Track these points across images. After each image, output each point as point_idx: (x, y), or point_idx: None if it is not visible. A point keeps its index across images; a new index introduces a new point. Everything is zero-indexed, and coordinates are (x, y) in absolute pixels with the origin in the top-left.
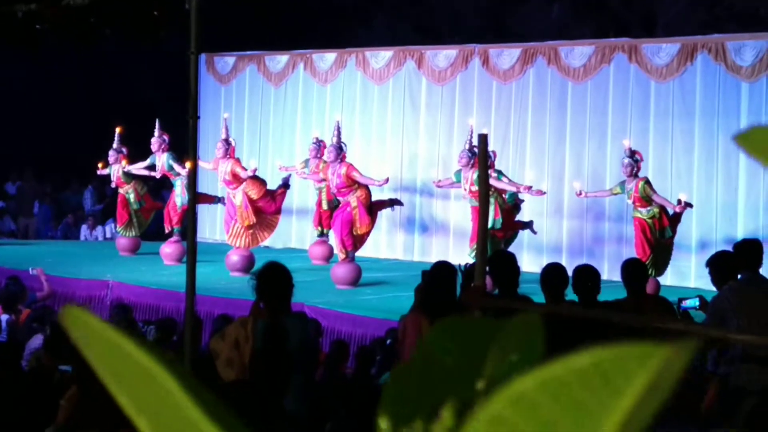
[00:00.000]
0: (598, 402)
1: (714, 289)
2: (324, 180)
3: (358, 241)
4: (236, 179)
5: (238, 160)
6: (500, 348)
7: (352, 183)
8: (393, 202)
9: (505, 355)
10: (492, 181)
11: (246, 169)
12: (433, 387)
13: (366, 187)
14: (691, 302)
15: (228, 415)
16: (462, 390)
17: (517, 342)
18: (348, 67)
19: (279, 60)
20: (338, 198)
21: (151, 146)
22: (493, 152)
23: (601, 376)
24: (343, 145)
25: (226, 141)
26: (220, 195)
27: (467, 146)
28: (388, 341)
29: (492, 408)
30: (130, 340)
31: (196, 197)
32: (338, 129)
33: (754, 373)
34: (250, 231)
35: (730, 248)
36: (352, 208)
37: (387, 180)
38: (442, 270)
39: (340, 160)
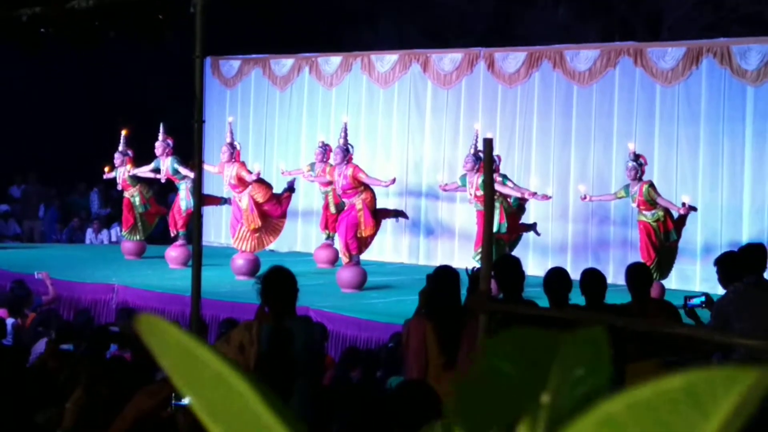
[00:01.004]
0: (686, 425)
1: (720, 288)
2: (330, 183)
3: (363, 244)
4: (242, 183)
5: (243, 164)
6: (565, 361)
7: (358, 184)
8: (398, 214)
9: (570, 369)
10: (497, 186)
11: (252, 173)
12: (499, 400)
13: (371, 190)
14: (697, 300)
15: (297, 421)
16: (526, 403)
17: (583, 356)
18: (353, 70)
19: (284, 63)
20: (344, 199)
21: (155, 150)
22: (498, 156)
23: (690, 400)
24: (349, 146)
25: (231, 145)
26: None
27: (472, 150)
28: (390, 344)
29: (579, 429)
30: (205, 347)
31: (202, 200)
32: (345, 131)
33: None
34: (256, 234)
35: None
36: (357, 211)
37: (394, 180)
38: (444, 274)
39: (347, 162)
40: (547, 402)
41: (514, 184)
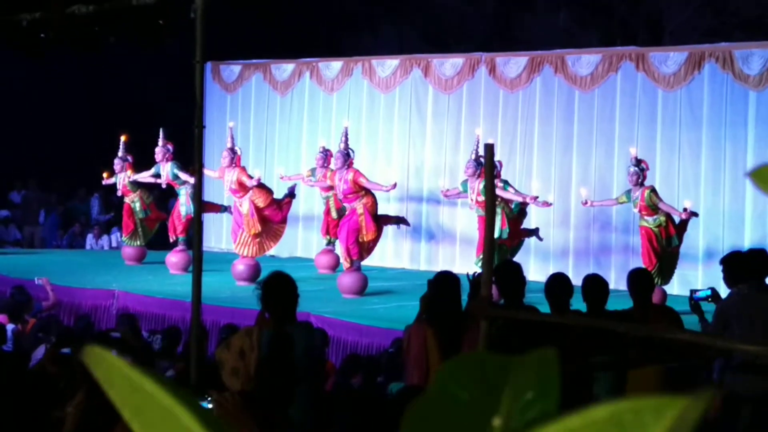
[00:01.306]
0: None
1: (725, 288)
2: (331, 188)
3: (364, 249)
4: (243, 188)
5: (244, 169)
6: (516, 385)
7: (358, 189)
8: (399, 220)
9: (520, 393)
10: (498, 192)
11: (252, 178)
12: (452, 424)
13: (372, 194)
14: (703, 293)
15: None
16: (479, 426)
17: (533, 379)
18: (354, 75)
19: (285, 68)
20: (345, 204)
21: (156, 156)
22: (500, 162)
23: (616, 429)
24: (350, 151)
25: (232, 150)
26: (225, 204)
27: (473, 156)
28: (390, 350)
29: None
30: (151, 379)
31: (202, 206)
32: (346, 135)
33: (750, 381)
34: (257, 240)
35: None
36: (358, 215)
37: (395, 185)
38: (445, 280)
39: (347, 166)
40: (498, 426)
41: (516, 190)
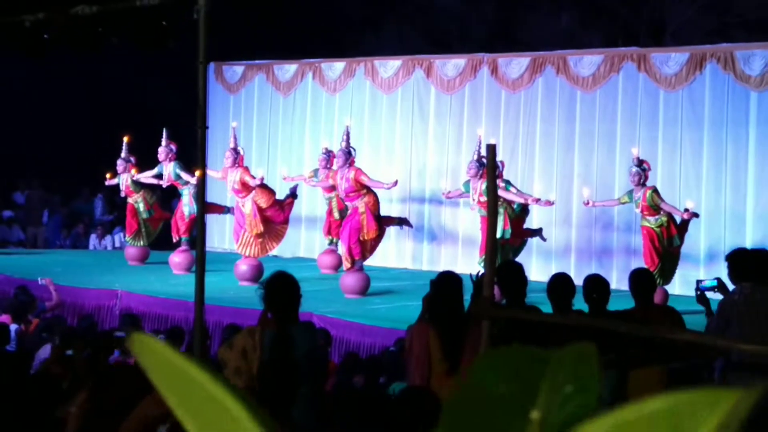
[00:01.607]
0: None
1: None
2: (334, 189)
3: (366, 249)
4: (245, 188)
5: (246, 169)
6: (554, 378)
7: (360, 187)
8: (402, 222)
9: (559, 386)
10: (500, 192)
11: (255, 178)
12: (488, 417)
13: (374, 193)
14: (709, 283)
15: None
16: (516, 420)
17: (572, 372)
18: (357, 76)
19: (288, 69)
20: (347, 203)
21: (158, 156)
22: (502, 162)
23: (672, 422)
24: (351, 149)
25: (235, 150)
26: (228, 205)
27: (476, 156)
28: (391, 349)
29: None
30: (195, 365)
31: (205, 207)
32: (347, 134)
33: (748, 379)
34: (260, 240)
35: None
36: (359, 214)
37: (396, 182)
38: (447, 280)
39: (349, 165)
40: (536, 419)
41: (518, 190)
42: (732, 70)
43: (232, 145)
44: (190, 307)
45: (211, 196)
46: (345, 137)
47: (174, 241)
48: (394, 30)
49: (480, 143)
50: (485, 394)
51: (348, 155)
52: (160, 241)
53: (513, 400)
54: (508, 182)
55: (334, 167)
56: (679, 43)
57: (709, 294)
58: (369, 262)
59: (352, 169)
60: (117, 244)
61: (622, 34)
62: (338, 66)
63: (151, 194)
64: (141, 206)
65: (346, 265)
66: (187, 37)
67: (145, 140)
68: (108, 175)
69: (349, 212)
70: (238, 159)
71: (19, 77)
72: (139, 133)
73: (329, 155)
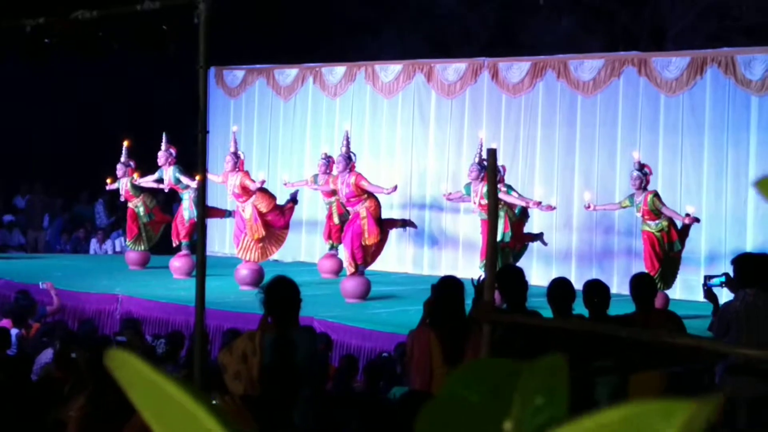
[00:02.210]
0: None
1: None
2: (334, 193)
3: (368, 254)
4: (246, 192)
5: (247, 173)
6: (525, 390)
7: (361, 192)
8: (405, 223)
9: (530, 398)
10: (501, 196)
11: (255, 182)
12: (461, 426)
13: (375, 197)
14: (717, 280)
15: None
16: (489, 430)
17: (542, 384)
18: (357, 80)
19: (288, 73)
20: (348, 207)
21: (158, 160)
22: (503, 166)
23: (629, 431)
24: (352, 154)
25: (235, 154)
26: (229, 209)
27: (477, 160)
28: (387, 354)
29: None
30: (173, 382)
31: (206, 211)
32: (347, 139)
33: (746, 383)
34: (260, 244)
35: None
36: (361, 219)
37: (395, 187)
38: (448, 285)
39: (349, 170)
40: (509, 430)
41: (519, 194)
42: (733, 75)
43: (232, 150)
44: (190, 311)
45: (212, 201)
46: (345, 142)
47: (174, 245)
48: (395, 34)
49: (481, 146)
50: (460, 404)
51: (348, 160)
52: (161, 245)
53: (487, 411)
54: (509, 187)
55: (334, 172)
56: (679, 47)
57: (716, 290)
58: (369, 266)
59: (352, 174)
60: (117, 249)
61: (623, 38)
62: (339, 70)
63: (151, 198)
64: (141, 210)
65: (349, 270)
66: (188, 42)
67: (145, 145)
68: (108, 180)
69: (350, 217)
70: (238, 163)
71: (21, 81)
72: (140, 138)
73: (329, 161)
